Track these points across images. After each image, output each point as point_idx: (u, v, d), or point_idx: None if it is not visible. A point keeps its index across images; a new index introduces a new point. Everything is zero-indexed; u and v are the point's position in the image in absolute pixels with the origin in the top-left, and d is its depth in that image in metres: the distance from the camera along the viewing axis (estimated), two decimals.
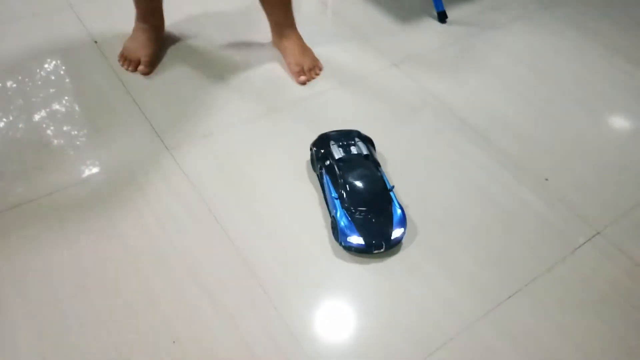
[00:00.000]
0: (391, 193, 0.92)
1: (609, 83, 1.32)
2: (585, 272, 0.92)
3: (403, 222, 0.90)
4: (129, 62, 1.24)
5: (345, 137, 1.01)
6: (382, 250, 0.88)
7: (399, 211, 0.90)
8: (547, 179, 1.07)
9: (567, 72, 1.34)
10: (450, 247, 0.94)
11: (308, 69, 1.26)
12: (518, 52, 1.40)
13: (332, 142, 0.99)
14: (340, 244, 0.89)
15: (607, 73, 1.35)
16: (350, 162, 0.94)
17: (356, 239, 0.87)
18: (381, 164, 1.02)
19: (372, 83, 1.27)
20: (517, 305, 0.87)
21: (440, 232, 0.96)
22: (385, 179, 0.94)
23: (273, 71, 1.28)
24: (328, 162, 0.96)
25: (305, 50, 1.28)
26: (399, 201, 0.93)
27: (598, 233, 0.98)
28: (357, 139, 1.01)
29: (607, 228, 0.99)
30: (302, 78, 1.25)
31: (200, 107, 1.17)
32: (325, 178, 0.95)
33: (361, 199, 0.90)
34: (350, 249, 0.89)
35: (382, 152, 1.09)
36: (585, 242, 0.97)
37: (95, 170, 1.02)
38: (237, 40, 1.36)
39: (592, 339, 0.83)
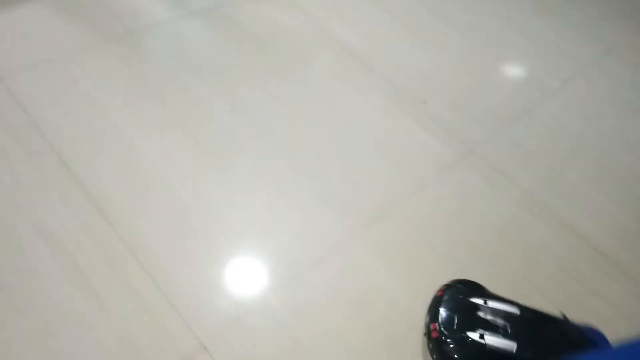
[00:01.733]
0: None
1: (494, 16, 1.31)
2: (458, 189, 0.91)
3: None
4: None
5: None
6: None
7: None
8: (425, 102, 1.05)
9: (454, 7, 1.32)
10: (326, 171, 0.89)
11: None
12: None
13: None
14: None
15: (493, 5, 1.34)
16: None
17: None
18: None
19: (241, 10, 1.16)
20: (392, 223, 0.84)
21: (316, 157, 0.90)
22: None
23: None
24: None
25: None
26: None
27: (472, 151, 0.97)
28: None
29: (480, 147, 0.98)
30: None
31: (39, 32, 1.01)
32: None
33: None
34: None
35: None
36: (460, 159, 0.95)
37: None
38: None
39: (459, 251, 0.83)
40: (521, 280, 0.81)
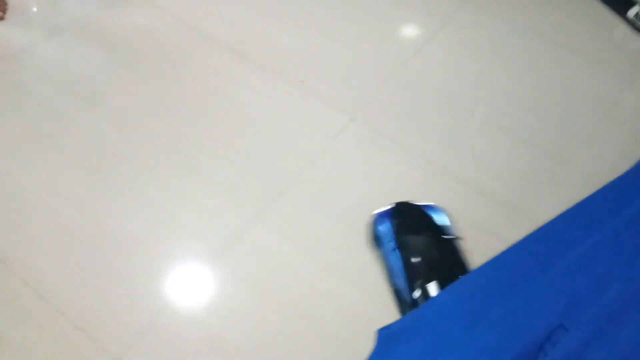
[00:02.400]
0: None
1: None
2: (346, 156, 0.97)
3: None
4: None
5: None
6: None
7: None
8: (302, 81, 1.09)
9: None
10: (216, 164, 0.92)
11: None
12: None
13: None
14: None
15: None
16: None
17: None
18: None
19: (105, 25, 1.15)
20: (288, 200, 0.88)
21: (200, 152, 0.93)
22: None
23: None
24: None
25: None
26: None
27: (353, 120, 1.03)
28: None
29: (360, 114, 1.05)
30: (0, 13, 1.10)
31: None
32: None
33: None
34: None
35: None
36: (342, 130, 1.01)
37: None
38: None
39: (359, 218, 0.89)
40: None
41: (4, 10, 1.11)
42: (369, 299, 0.79)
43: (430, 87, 1.13)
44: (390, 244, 0.79)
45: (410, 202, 0.85)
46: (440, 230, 0.82)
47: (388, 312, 0.77)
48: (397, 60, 1.18)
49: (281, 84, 1.08)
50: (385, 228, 0.80)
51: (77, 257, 0.77)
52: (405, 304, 0.75)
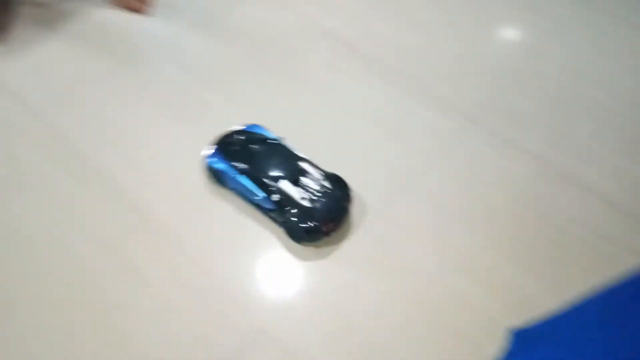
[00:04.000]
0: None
1: None
2: (467, 161, 0.98)
3: None
4: None
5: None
6: None
7: None
8: (420, 78, 1.11)
9: None
10: (334, 159, 0.96)
11: None
12: None
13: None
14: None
15: None
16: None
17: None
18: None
19: (234, 21, 1.23)
20: (408, 201, 0.91)
21: (323, 146, 0.97)
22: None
23: (120, 13, 1.20)
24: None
25: None
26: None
27: (476, 123, 1.04)
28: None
29: (484, 117, 1.05)
30: (144, 7, 1.20)
31: (61, 66, 1.09)
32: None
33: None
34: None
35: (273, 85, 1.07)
36: (466, 133, 1.02)
37: None
38: None
39: (479, 222, 0.90)
40: (548, 247, 0.87)
41: (148, 4, 1.21)
42: (491, 296, 0.80)
43: (549, 86, 1.11)
44: (233, 172, 0.85)
45: (226, 131, 0.91)
46: (263, 138, 0.90)
47: (512, 311, 0.78)
48: (518, 60, 1.16)
49: (398, 80, 1.10)
50: (220, 163, 0.86)
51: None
52: (270, 210, 0.84)
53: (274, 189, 0.83)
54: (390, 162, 0.96)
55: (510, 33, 1.25)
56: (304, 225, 0.80)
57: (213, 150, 0.88)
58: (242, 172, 0.85)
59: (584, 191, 0.93)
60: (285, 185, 0.83)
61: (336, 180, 0.86)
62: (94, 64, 1.09)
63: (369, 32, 1.20)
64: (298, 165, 0.86)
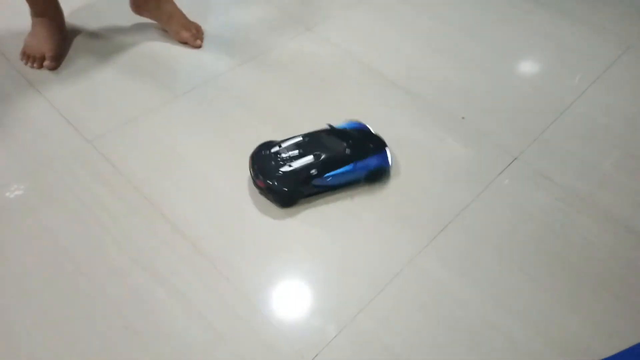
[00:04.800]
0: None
1: (511, 24, 1.40)
2: (509, 195, 0.99)
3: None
4: (33, 59, 1.17)
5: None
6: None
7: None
8: (463, 117, 1.14)
9: (471, 18, 1.41)
10: (383, 194, 0.98)
11: (197, 31, 1.27)
12: (423, 4, 1.45)
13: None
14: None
15: (507, 13, 1.43)
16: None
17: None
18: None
19: (283, 52, 1.28)
20: (452, 234, 0.93)
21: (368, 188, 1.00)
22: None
23: (174, 46, 1.26)
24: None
25: (182, 12, 1.28)
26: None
27: (515, 159, 1.06)
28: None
29: (523, 153, 1.07)
30: (199, 42, 1.26)
31: (115, 95, 1.14)
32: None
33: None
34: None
35: (313, 117, 1.11)
36: (505, 169, 1.04)
37: (15, 175, 0.97)
38: (137, 21, 1.32)
39: (521, 252, 0.91)
40: (582, 277, 0.88)
41: (202, 39, 1.28)
42: (536, 334, 0.80)
43: (594, 130, 1.13)
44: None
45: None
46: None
47: (557, 350, 0.78)
48: (560, 101, 1.18)
49: (443, 117, 1.13)
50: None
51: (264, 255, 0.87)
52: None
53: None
54: (435, 196, 0.98)
55: (545, 74, 1.28)
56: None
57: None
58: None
59: (609, 220, 0.94)
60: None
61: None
62: (146, 95, 1.14)
63: (416, 69, 1.24)
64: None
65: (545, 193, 1.00)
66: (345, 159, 0.94)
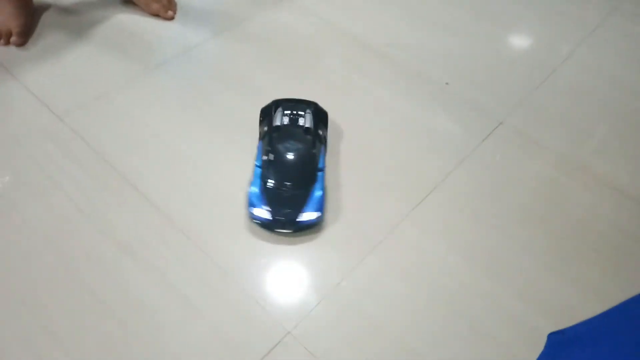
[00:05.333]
0: (319, 174, 0.86)
1: None
2: (493, 160, 0.97)
3: (319, 206, 0.83)
4: None
5: (297, 106, 0.92)
6: (288, 231, 0.83)
7: (318, 193, 0.84)
8: (447, 83, 1.11)
9: None
10: (365, 162, 0.96)
11: (168, 2, 1.23)
12: None
13: (280, 109, 0.91)
14: (249, 214, 0.84)
15: None
16: (286, 132, 0.87)
17: (262, 212, 0.82)
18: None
19: (260, 22, 1.24)
20: (435, 202, 0.90)
21: (353, 144, 0.97)
22: (320, 158, 0.88)
23: (144, 19, 1.22)
24: (266, 129, 0.90)
25: None
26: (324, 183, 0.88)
27: (501, 123, 1.03)
28: (307, 111, 0.91)
29: (509, 117, 1.04)
30: (170, 13, 1.22)
31: (85, 71, 1.09)
32: (259, 145, 0.90)
33: (283, 171, 0.84)
34: (257, 221, 0.84)
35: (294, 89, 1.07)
36: (490, 134, 1.01)
37: None
38: None
39: (506, 217, 0.89)
40: (576, 243, 0.86)
41: (174, 10, 1.23)
42: (520, 300, 0.79)
43: (582, 92, 1.10)
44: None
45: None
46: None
47: (543, 314, 0.76)
48: (547, 65, 1.16)
49: (425, 85, 1.10)
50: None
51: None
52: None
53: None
54: (418, 165, 0.96)
55: (531, 38, 1.25)
56: None
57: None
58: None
59: (603, 186, 0.92)
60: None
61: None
62: (117, 69, 1.10)
63: (398, 38, 1.20)
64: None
65: (532, 157, 0.98)
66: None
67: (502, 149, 0.99)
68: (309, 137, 0.88)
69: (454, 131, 1.02)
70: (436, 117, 1.04)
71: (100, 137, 0.97)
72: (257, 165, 0.87)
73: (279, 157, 0.85)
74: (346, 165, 0.94)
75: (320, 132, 0.91)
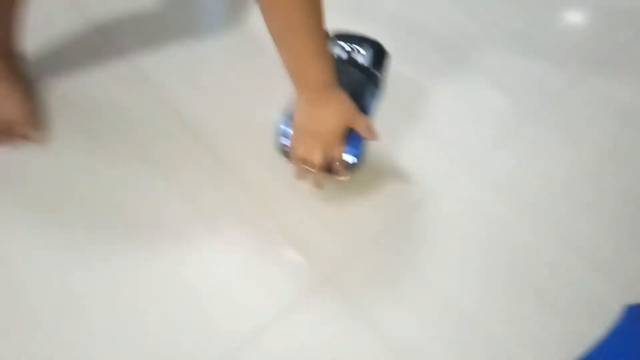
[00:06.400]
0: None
1: None
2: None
3: (357, 151, 0.74)
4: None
5: (357, 41, 0.83)
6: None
7: (357, 137, 0.75)
8: None
9: None
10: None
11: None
12: None
13: (339, 41, 0.83)
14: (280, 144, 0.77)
15: None
16: (337, 66, 0.74)
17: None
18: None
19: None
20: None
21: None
22: (369, 101, 0.78)
23: None
24: None
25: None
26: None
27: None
28: (367, 48, 0.82)
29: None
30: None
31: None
32: None
33: None
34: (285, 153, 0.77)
35: None
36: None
37: None
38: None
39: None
40: None
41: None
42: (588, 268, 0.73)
43: None
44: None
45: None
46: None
47: (610, 287, 0.72)
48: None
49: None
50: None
51: None
52: None
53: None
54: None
55: None
56: None
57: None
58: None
59: None
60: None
61: None
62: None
63: None
64: None
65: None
66: None
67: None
68: (360, 73, 0.79)
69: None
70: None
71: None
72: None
73: None
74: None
75: (377, 73, 0.83)
